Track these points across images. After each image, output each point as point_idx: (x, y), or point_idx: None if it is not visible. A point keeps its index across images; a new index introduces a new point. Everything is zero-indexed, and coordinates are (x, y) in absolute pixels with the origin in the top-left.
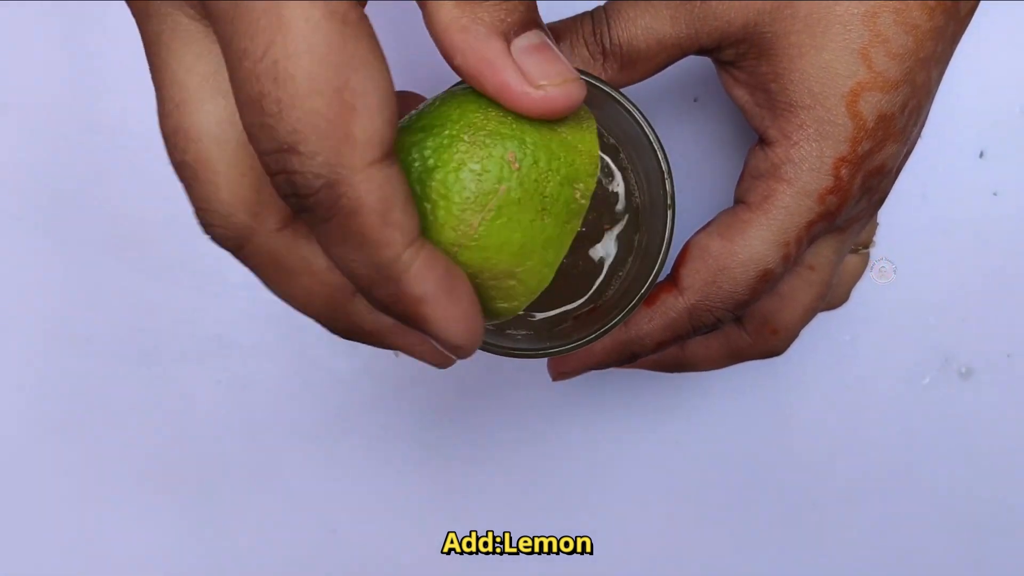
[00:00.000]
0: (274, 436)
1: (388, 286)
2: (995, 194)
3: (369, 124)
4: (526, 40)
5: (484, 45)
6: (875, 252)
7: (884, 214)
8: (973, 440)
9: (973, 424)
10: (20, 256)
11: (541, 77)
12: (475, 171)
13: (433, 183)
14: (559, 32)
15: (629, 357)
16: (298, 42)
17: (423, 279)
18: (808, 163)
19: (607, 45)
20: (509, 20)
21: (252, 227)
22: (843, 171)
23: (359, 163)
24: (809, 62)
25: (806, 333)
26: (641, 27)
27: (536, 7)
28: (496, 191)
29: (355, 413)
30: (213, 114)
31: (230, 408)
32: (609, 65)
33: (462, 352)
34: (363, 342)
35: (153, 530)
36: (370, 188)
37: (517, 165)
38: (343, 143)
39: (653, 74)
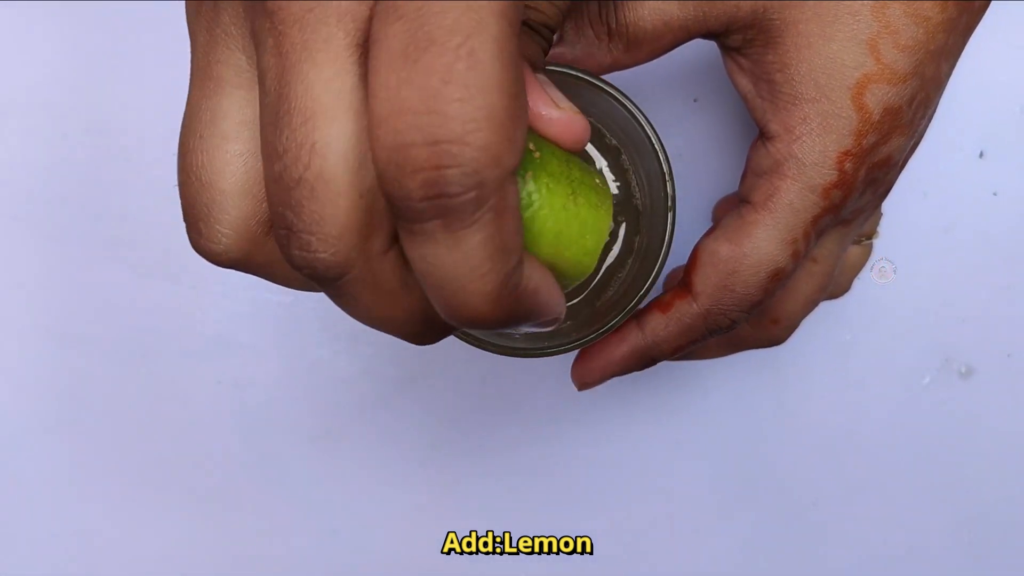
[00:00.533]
0: (274, 436)
1: (513, 290)
2: (995, 194)
3: (521, 139)
4: (542, 75)
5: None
6: (875, 252)
7: (884, 214)
8: (973, 440)
9: (973, 424)
10: (20, 256)
11: (560, 99)
12: None
13: None
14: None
15: (648, 362)
16: (495, 42)
17: (531, 273)
18: (811, 158)
19: (613, 25)
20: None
21: (362, 249)
22: (847, 165)
23: (513, 167)
24: (816, 52)
25: (806, 333)
26: (648, 8)
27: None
28: (524, 178)
29: (355, 413)
30: (345, 130)
31: (230, 408)
32: (614, 46)
33: (559, 322)
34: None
35: (153, 530)
36: (515, 192)
37: (537, 153)
38: (509, 145)
39: (658, 56)
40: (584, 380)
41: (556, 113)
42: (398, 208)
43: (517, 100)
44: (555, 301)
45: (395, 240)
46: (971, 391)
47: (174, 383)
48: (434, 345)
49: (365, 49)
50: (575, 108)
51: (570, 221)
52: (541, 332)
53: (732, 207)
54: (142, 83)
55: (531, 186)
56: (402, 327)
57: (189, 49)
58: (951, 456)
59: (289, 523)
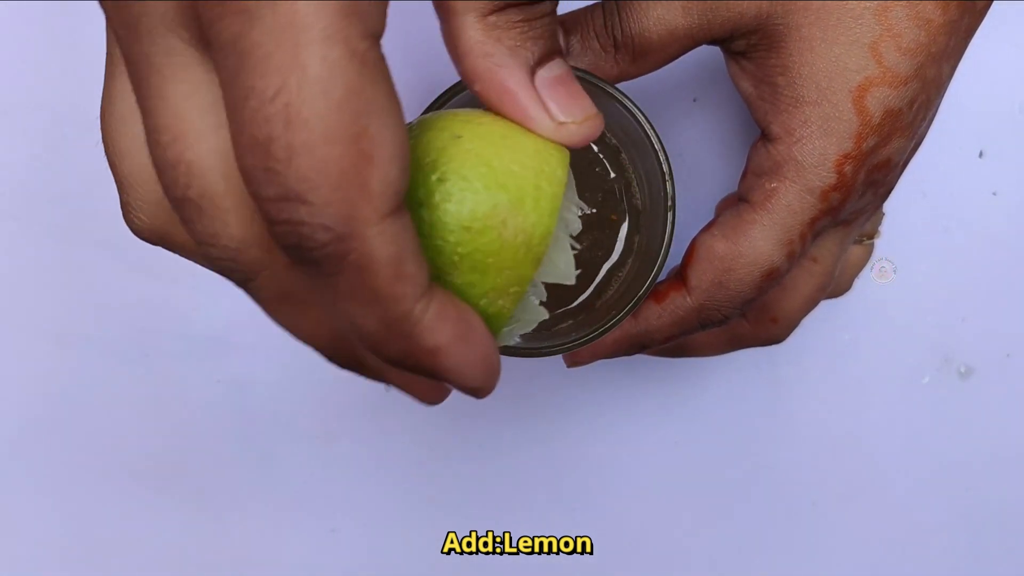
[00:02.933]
0: (274, 436)
1: (400, 342)
2: (995, 194)
3: (385, 175)
4: (549, 71)
5: (508, 75)
6: (875, 252)
7: (886, 214)
8: (972, 440)
9: (972, 424)
10: (20, 256)
11: (563, 114)
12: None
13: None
14: (569, 25)
15: (638, 348)
16: (314, 84)
17: (436, 330)
18: (811, 160)
19: (618, 37)
20: (535, 50)
21: (265, 262)
22: (846, 168)
23: (373, 217)
24: (818, 56)
25: (806, 333)
26: (653, 18)
27: (558, 33)
28: (435, 179)
29: (355, 413)
30: (217, 148)
31: (230, 408)
32: (621, 57)
33: (481, 393)
34: (361, 375)
35: (152, 530)
36: (383, 243)
37: (466, 141)
38: (358, 195)
39: (664, 65)
40: (575, 359)
41: (555, 128)
42: (283, 251)
43: (359, 141)
44: (466, 366)
45: None
46: (970, 391)
47: (174, 383)
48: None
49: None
50: (587, 110)
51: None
52: (539, 332)
53: (733, 204)
54: None
55: (444, 189)
56: (312, 339)
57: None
58: (950, 456)
59: (289, 523)
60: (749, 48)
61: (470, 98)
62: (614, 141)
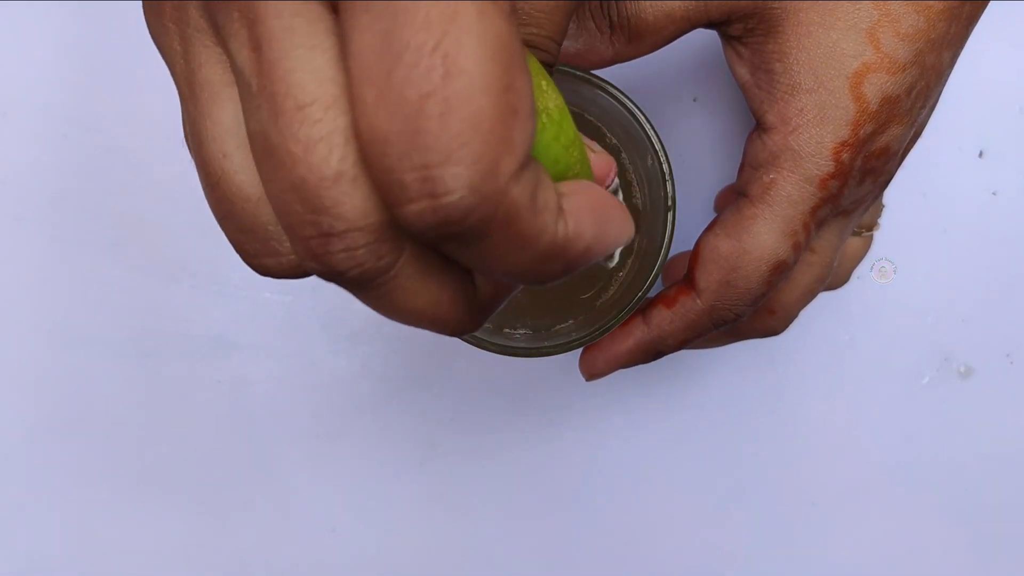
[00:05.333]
0: (274, 436)
1: (556, 264)
2: (994, 194)
3: (525, 127)
4: None
5: None
6: (875, 252)
7: (884, 213)
8: (972, 440)
9: (972, 424)
10: (20, 256)
11: None
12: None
13: None
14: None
15: (654, 355)
16: (472, 35)
17: (580, 235)
18: (807, 149)
19: (614, 18)
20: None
21: (403, 246)
22: (844, 155)
23: (515, 170)
24: (816, 41)
25: (806, 332)
26: (649, 0)
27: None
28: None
29: (355, 413)
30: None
31: (230, 408)
32: (616, 38)
33: (629, 239)
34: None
35: (152, 530)
36: (522, 192)
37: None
38: (504, 150)
39: (661, 47)
40: (591, 372)
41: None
42: (413, 233)
43: (508, 93)
44: (621, 229)
45: None
46: (970, 391)
47: (174, 383)
48: (434, 345)
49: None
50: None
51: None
52: (539, 332)
53: (733, 198)
54: (142, 83)
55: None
56: (447, 312)
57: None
58: (950, 456)
59: (289, 523)
60: (746, 33)
61: None
62: (614, 141)
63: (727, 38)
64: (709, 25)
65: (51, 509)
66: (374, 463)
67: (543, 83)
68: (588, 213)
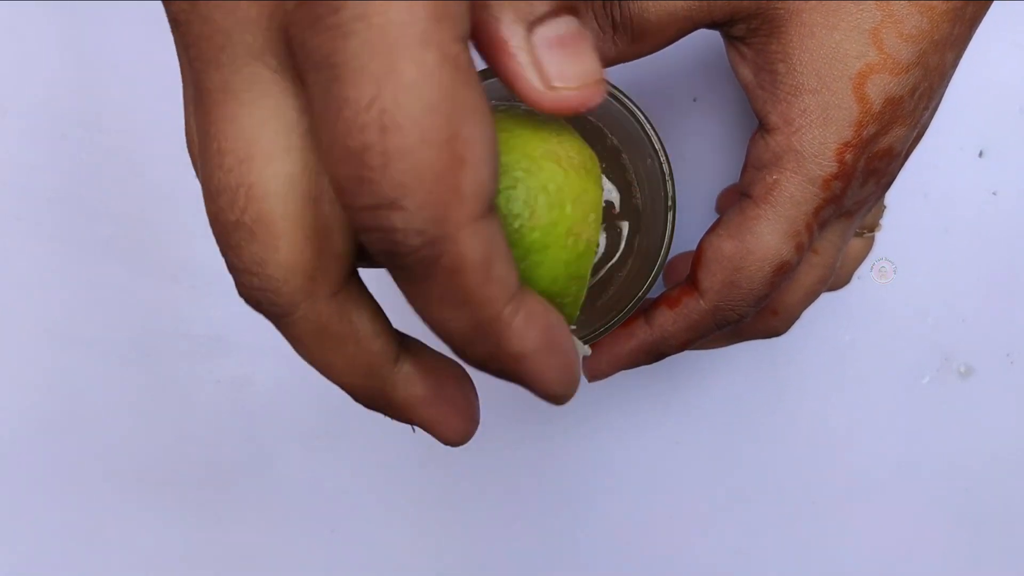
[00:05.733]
0: (274, 436)
1: (487, 345)
2: (995, 194)
3: (477, 177)
4: (552, 30)
5: (503, 28)
6: (875, 252)
7: (885, 213)
8: (972, 440)
9: (972, 424)
10: (20, 256)
11: (558, 77)
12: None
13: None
14: (568, 5)
15: (656, 357)
16: (409, 90)
17: (524, 336)
18: (810, 150)
19: (617, 18)
20: (538, 6)
21: (308, 292)
22: (847, 156)
23: (465, 219)
24: (819, 42)
25: (806, 332)
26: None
27: None
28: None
29: (355, 413)
30: (283, 171)
31: (230, 408)
32: (619, 39)
33: (561, 400)
34: (386, 414)
35: (152, 530)
36: (474, 245)
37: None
38: (451, 198)
39: (663, 47)
40: (594, 373)
41: (545, 91)
42: (373, 255)
43: (452, 143)
44: (549, 373)
45: (346, 283)
46: (970, 391)
47: (174, 383)
48: (434, 345)
49: (292, 61)
50: (586, 76)
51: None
52: None
53: (735, 199)
54: (142, 83)
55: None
56: (343, 376)
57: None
58: (950, 455)
59: (288, 523)
60: (749, 33)
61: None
62: (614, 141)
63: (730, 39)
64: (712, 25)
65: (51, 509)
66: (374, 463)
67: (592, 216)
68: (542, 328)
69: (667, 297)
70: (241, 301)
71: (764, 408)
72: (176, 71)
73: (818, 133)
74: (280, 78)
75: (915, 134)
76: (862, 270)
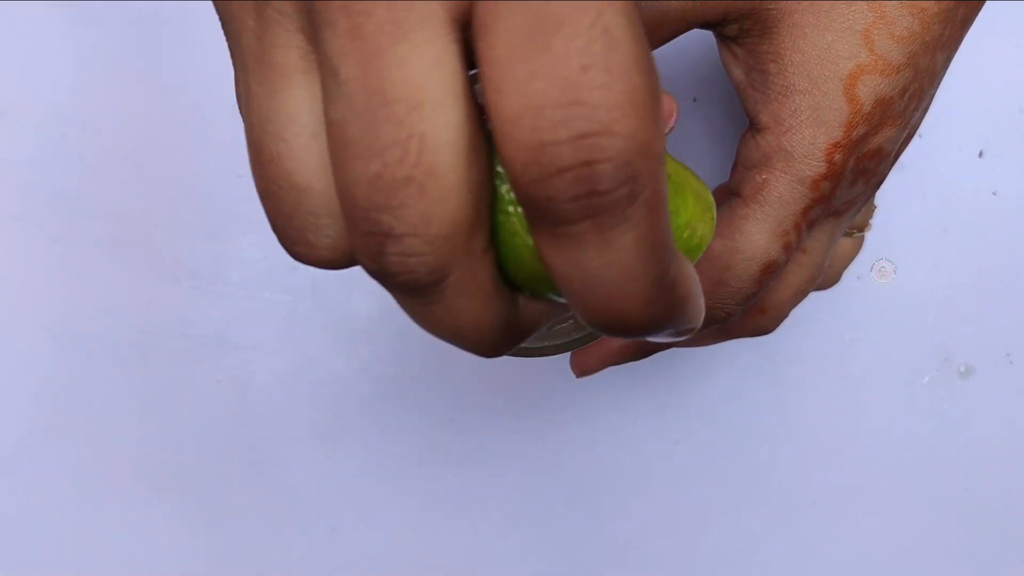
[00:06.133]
0: (274, 436)
1: (663, 296)
2: (995, 194)
3: (662, 116)
4: None
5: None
6: (875, 252)
7: (884, 214)
8: (972, 440)
9: (972, 424)
10: (20, 256)
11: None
12: None
13: None
14: None
15: (645, 354)
16: (622, 14)
17: (684, 272)
18: (800, 150)
19: None
20: None
21: (466, 250)
22: (836, 156)
23: (662, 151)
24: (810, 43)
25: (806, 333)
26: (644, 1)
27: None
28: None
29: (355, 413)
30: (457, 120)
31: (230, 408)
32: None
33: (694, 331)
34: (512, 354)
35: (152, 529)
36: (665, 179)
37: None
38: (653, 125)
39: (656, 48)
40: (583, 368)
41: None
42: (541, 211)
43: (655, 76)
44: (700, 306)
45: (492, 238)
46: (970, 391)
47: (174, 383)
48: (434, 345)
49: (462, 24)
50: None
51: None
52: (539, 331)
53: (724, 198)
54: (143, 83)
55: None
56: (485, 335)
57: (226, 37)
58: (950, 455)
59: (289, 523)
60: (741, 33)
61: None
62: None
63: (722, 38)
64: (705, 25)
65: (51, 509)
66: (374, 463)
67: (708, 215)
68: (694, 283)
69: None
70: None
71: (764, 408)
72: (176, 71)
73: (808, 133)
74: (449, 19)
75: (905, 135)
76: (862, 270)
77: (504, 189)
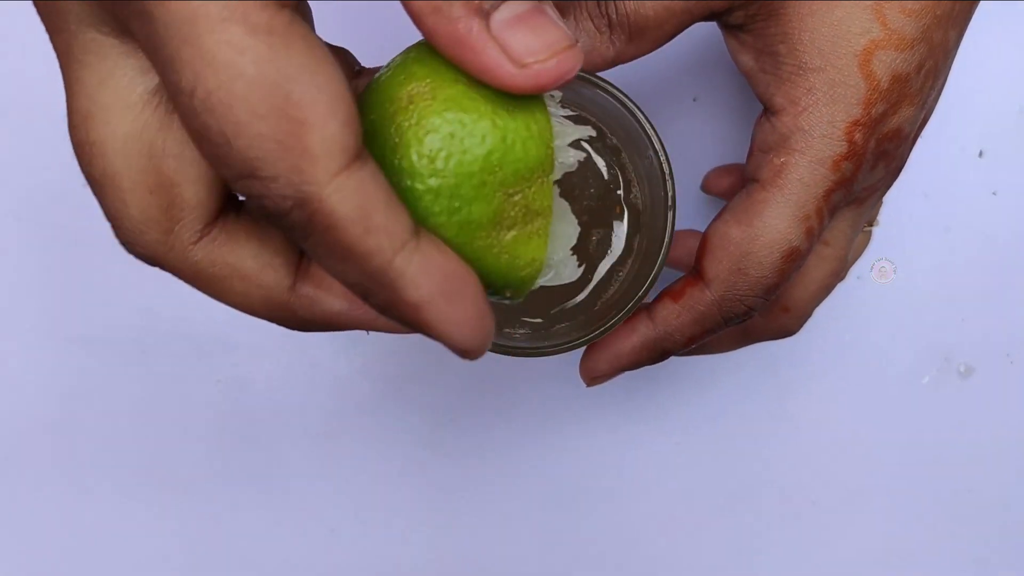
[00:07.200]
0: (274, 436)
1: (383, 293)
2: (995, 194)
3: (324, 133)
4: (508, 11)
5: (460, 26)
6: (875, 252)
7: (883, 213)
8: (972, 439)
9: (972, 423)
10: (20, 256)
11: (527, 53)
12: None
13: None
14: (562, 7)
15: (660, 355)
16: (225, 70)
17: (419, 285)
18: (819, 129)
19: (613, 16)
20: None
21: (166, 243)
22: (856, 135)
23: (324, 176)
24: (820, 20)
25: (806, 333)
26: None
27: None
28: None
29: (355, 413)
30: (121, 129)
31: (230, 408)
32: (616, 37)
33: (470, 356)
34: (319, 331)
35: (152, 529)
36: (342, 199)
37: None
38: (302, 160)
39: (661, 44)
40: (592, 375)
41: (518, 71)
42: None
43: (285, 113)
44: (453, 324)
45: (211, 229)
46: (970, 391)
47: (174, 382)
48: (434, 344)
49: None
50: (553, 45)
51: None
52: (539, 332)
53: (724, 175)
54: None
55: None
56: (246, 309)
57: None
58: (950, 455)
59: (289, 522)
60: (748, 20)
61: None
62: (614, 141)
63: (728, 28)
64: (710, 17)
65: (51, 508)
66: (374, 463)
67: (537, 178)
68: (441, 276)
69: (670, 290)
70: None
71: (764, 408)
72: None
73: (826, 111)
74: (118, 42)
75: (922, 116)
76: (862, 270)
77: (407, 183)
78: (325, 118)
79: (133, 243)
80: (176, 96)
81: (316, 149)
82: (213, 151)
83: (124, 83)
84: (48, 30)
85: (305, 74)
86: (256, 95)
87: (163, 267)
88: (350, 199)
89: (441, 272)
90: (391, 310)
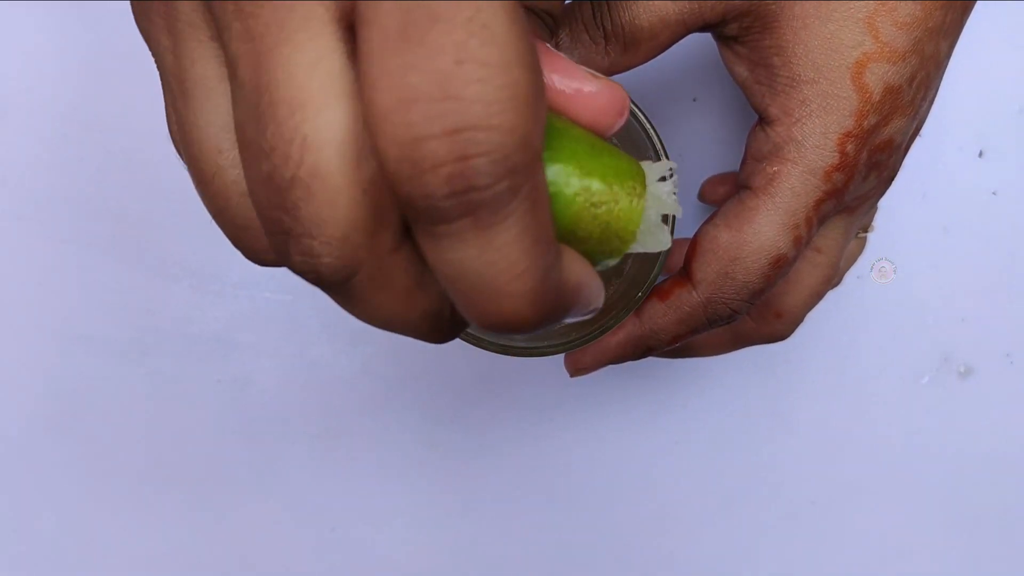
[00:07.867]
0: (274, 436)
1: (550, 293)
2: (994, 193)
3: (546, 106)
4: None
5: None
6: (875, 252)
7: (884, 214)
8: (972, 440)
9: (972, 424)
10: (21, 256)
11: (596, 74)
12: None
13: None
14: (558, 19)
15: (644, 351)
16: (499, 12)
17: (570, 265)
18: (811, 140)
19: (608, 28)
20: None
21: (370, 249)
22: (848, 147)
23: (541, 147)
24: (813, 33)
25: (805, 332)
26: (643, 6)
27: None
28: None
29: (355, 413)
30: (339, 119)
31: (230, 408)
32: (612, 48)
33: (595, 312)
34: (458, 338)
35: (152, 529)
36: (544, 174)
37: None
38: (535, 121)
39: (656, 55)
40: (577, 366)
41: (593, 86)
42: (417, 209)
43: (537, 73)
44: (596, 290)
45: (406, 234)
46: (970, 391)
47: (174, 382)
48: (434, 345)
49: (348, 23)
50: (610, 80)
51: (599, 201)
52: (545, 331)
53: (719, 184)
54: (142, 83)
55: (556, 167)
56: (416, 327)
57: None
58: (950, 456)
59: (289, 522)
60: (742, 31)
61: None
62: (614, 141)
63: (723, 39)
64: (704, 28)
65: (51, 508)
66: (374, 463)
67: (629, 183)
68: (584, 272)
69: (658, 289)
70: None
71: (763, 408)
72: None
73: (819, 122)
74: (331, 19)
75: (914, 126)
76: (862, 270)
77: None
78: (544, 89)
79: (331, 255)
80: (432, 23)
81: (542, 115)
82: (453, 90)
83: (336, 68)
84: (253, 7)
85: (534, 42)
86: (520, 44)
87: (349, 282)
88: (545, 178)
89: (575, 254)
90: (555, 301)
